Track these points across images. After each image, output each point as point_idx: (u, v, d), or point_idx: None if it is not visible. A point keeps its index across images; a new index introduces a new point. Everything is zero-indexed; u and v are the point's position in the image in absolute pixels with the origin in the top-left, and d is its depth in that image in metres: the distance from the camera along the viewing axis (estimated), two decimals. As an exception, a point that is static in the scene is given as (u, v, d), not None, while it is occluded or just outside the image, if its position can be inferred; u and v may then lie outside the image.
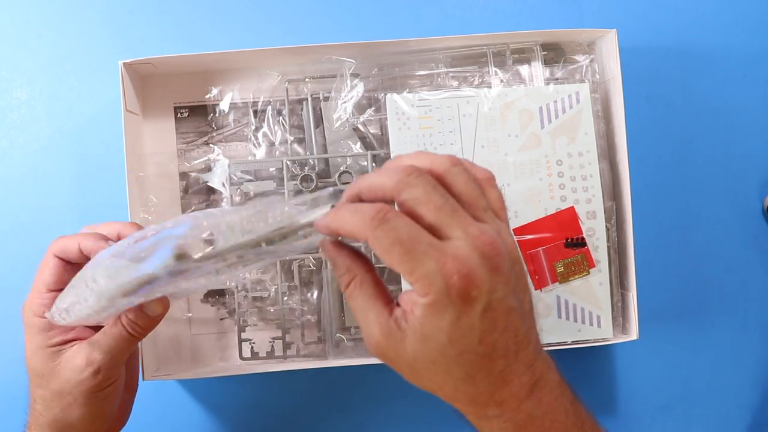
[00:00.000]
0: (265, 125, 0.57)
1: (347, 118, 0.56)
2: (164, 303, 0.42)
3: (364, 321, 0.33)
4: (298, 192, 0.56)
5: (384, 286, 0.34)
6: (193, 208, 0.58)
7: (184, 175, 0.59)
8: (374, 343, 0.32)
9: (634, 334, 0.55)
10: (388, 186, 0.31)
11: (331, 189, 0.35)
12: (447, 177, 0.32)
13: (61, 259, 0.43)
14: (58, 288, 0.43)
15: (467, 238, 0.30)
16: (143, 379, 0.52)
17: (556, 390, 0.35)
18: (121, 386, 0.44)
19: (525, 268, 0.35)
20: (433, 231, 0.31)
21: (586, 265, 0.55)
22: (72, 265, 0.43)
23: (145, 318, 0.42)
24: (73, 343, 0.42)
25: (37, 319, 0.42)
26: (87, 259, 0.42)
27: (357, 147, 0.57)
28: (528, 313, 0.33)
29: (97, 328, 0.43)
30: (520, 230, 0.55)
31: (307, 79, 0.58)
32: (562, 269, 0.55)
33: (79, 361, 0.41)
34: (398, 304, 0.33)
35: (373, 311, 0.32)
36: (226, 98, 0.58)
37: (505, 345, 0.32)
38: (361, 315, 0.33)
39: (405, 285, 0.53)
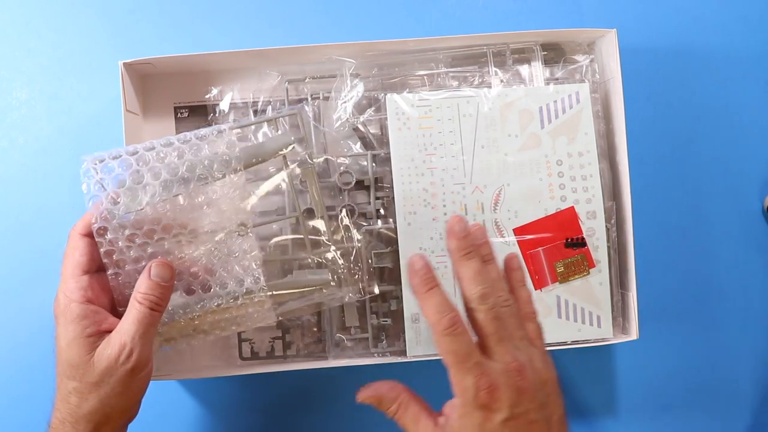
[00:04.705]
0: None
1: (347, 118, 0.56)
2: (169, 267, 0.43)
3: None
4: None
5: (423, 402, 0.43)
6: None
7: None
8: None
9: (634, 334, 0.55)
10: (474, 292, 0.41)
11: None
12: (502, 313, 0.41)
13: (88, 236, 0.43)
14: (93, 269, 0.44)
15: (502, 363, 0.40)
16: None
17: None
18: (152, 368, 0.44)
19: (558, 387, 0.42)
20: (483, 341, 0.41)
21: (586, 265, 0.55)
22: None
23: (156, 287, 0.43)
24: (103, 334, 0.42)
25: (75, 305, 0.42)
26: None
27: (357, 147, 0.57)
28: (556, 424, 0.41)
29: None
30: (520, 230, 0.55)
31: (307, 79, 0.58)
32: (562, 269, 0.55)
33: (114, 350, 0.41)
34: (441, 413, 0.41)
35: (421, 424, 0.41)
36: (226, 98, 0.58)
37: None
38: (413, 429, 0.42)
39: (406, 284, 0.54)
